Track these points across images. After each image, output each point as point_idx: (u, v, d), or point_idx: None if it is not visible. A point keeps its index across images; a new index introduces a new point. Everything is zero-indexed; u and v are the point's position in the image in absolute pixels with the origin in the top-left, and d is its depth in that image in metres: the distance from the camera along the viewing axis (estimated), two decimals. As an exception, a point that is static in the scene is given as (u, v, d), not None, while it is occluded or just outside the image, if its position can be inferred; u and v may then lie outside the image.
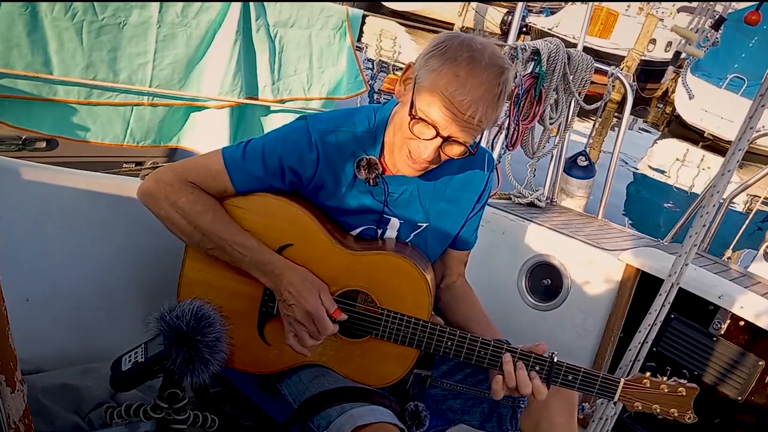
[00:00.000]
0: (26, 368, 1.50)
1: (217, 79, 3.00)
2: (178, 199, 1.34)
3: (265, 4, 3.04)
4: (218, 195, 1.38)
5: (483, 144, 2.79)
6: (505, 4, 20.44)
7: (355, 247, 1.40)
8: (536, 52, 2.76)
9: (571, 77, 2.83)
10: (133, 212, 1.55)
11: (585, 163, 3.35)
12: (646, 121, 16.35)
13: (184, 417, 1.25)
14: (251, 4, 2.99)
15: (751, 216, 5.49)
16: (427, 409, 1.45)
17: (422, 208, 1.48)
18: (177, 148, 3.25)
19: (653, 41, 16.71)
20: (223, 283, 1.40)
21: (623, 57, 15.61)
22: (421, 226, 1.49)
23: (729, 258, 4.55)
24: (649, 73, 17.05)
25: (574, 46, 3.03)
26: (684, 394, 1.36)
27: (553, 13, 19.66)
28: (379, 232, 1.47)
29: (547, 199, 3.17)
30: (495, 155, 2.87)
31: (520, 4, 3.33)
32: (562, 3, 19.48)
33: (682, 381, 1.37)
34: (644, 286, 2.41)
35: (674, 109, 15.50)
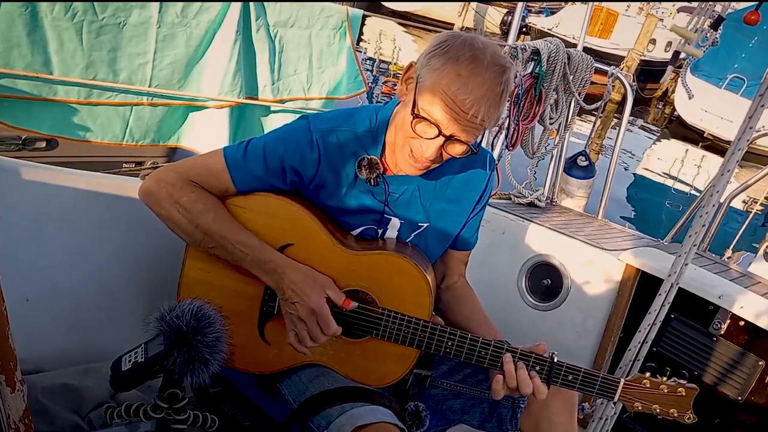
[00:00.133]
0: (26, 368, 1.50)
1: (217, 79, 3.00)
2: (179, 198, 1.34)
3: (265, 4, 3.05)
4: (219, 194, 1.38)
5: (483, 144, 2.80)
6: (505, 4, 20.45)
7: (355, 247, 1.40)
8: (536, 52, 2.76)
9: (571, 77, 2.83)
10: (133, 212, 1.55)
11: (585, 163, 3.35)
12: (646, 122, 16.35)
13: (184, 417, 1.25)
14: (251, 4, 2.99)
15: (751, 216, 5.49)
16: (427, 409, 1.45)
17: (423, 208, 1.48)
18: (177, 148, 3.26)
19: (653, 41, 16.71)
20: (223, 283, 1.40)
21: (623, 57, 15.61)
22: (422, 226, 1.49)
23: (729, 258, 4.55)
24: (649, 73, 17.05)
25: (574, 46, 3.03)
26: (684, 394, 1.36)
27: (553, 13, 19.66)
28: (380, 232, 1.47)
29: (547, 199, 3.17)
30: (495, 155, 2.87)
31: (520, 4, 3.33)
32: (562, 3, 19.48)
33: (681, 381, 1.37)
34: (644, 286, 2.41)
35: (674, 109, 15.50)
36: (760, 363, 2.19)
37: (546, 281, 2.64)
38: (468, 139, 1.29)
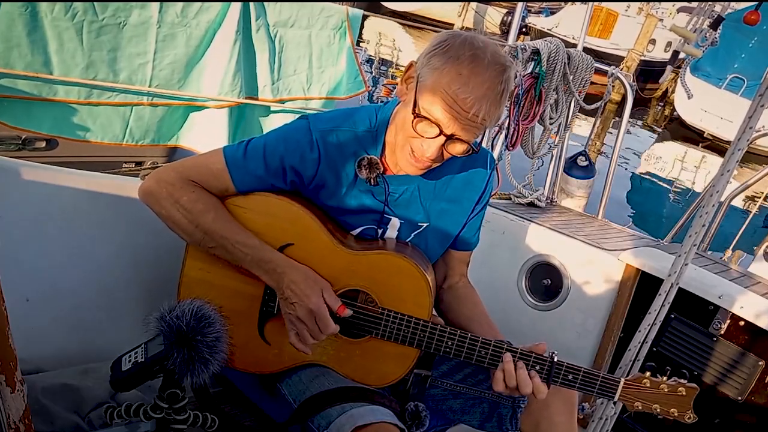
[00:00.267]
0: (26, 368, 1.50)
1: (217, 79, 3.00)
2: (179, 197, 1.34)
3: (265, 4, 3.05)
4: (219, 194, 1.38)
5: (483, 144, 2.80)
6: (504, 4, 20.45)
7: (355, 247, 1.40)
8: (536, 52, 2.76)
9: (571, 77, 2.83)
10: (133, 212, 1.55)
11: (585, 163, 3.35)
12: (646, 122, 16.36)
13: (184, 417, 1.25)
14: (251, 4, 2.99)
15: (751, 216, 5.49)
16: (427, 409, 1.45)
17: (423, 208, 1.48)
18: (177, 148, 3.25)
19: (653, 41, 16.71)
20: (223, 283, 1.40)
21: (623, 57, 15.61)
22: (422, 226, 1.49)
23: (729, 258, 4.55)
24: (649, 73, 17.05)
25: (574, 46, 3.03)
26: (684, 393, 1.36)
27: (552, 13, 19.66)
28: (380, 231, 1.47)
29: (547, 199, 3.17)
30: (495, 155, 2.87)
31: (519, 4, 3.33)
32: (562, 3, 19.48)
33: (681, 381, 1.37)
34: (644, 286, 2.41)
35: (674, 109, 15.50)
36: (760, 363, 2.19)
37: (546, 281, 2.64)
38: (469, 138, 1.29)
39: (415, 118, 1.28)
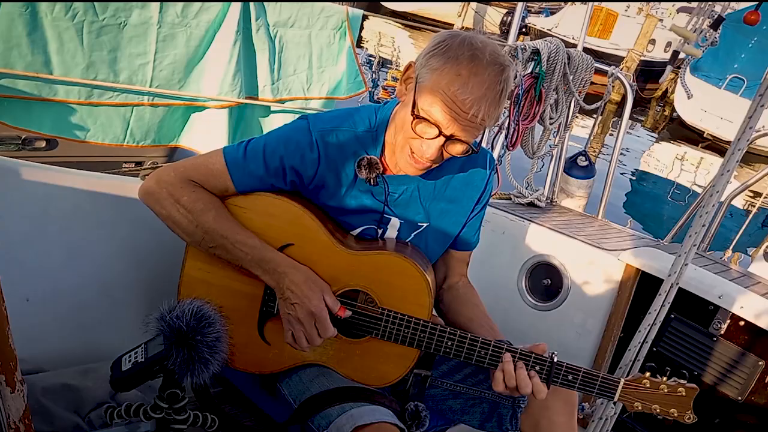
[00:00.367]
0: (26, 368, 1.50)
1: (217, 79, 3.00)
2: (179, 197, 1.34)
3: (265, 4, 3.05)
4: (219, 194, 1.38)
5: (483, 144, 2.80)
6: (504, 4, 20.45)
7: (355, 247, 1.40)
8: (536, 52, 2.76)
9: (571, 77, 2.83)
10: (133, 212, 1.55)
11: (585, 163, 3.35)
12: (646, 122, 16.36)
13: (184, 417, 1.25)
14: (251, 4, 2.99)
15: (751, 216, 5.50)
16: (427, 409, 1.45)
17: (423, 208, 1.48)
18: (177, 148, 3.25)
19: (653, 41, 16.72)
20: (224, 283, 1.40)
21: (623, 57, 15.61)
22: (422, 226, 1.49)
23: (729, 258, 4.55)
24: (649, 73, 17.05)
25: (574, 46, 3.03)
26: (684, 394, 1.36)
27: (552, 13, 19.66)
28: (380, 231, 1.47)
29: (547, 199, 3.17)
30: (495, 155, 2.87)
31: (520, 4, 3.33)
32: (562, 3, 19.48)
33: (681, 381, 1.37)
34: (644, 286, 2.41)
35: (674, 109, 15.51)
36: (760, 363, 2.19)
37: (546, 281, 2.64)
38: (468, 138, 1.29)
39: (414, 119, 1.28)
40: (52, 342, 1.61)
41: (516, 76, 2.78)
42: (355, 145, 1.40)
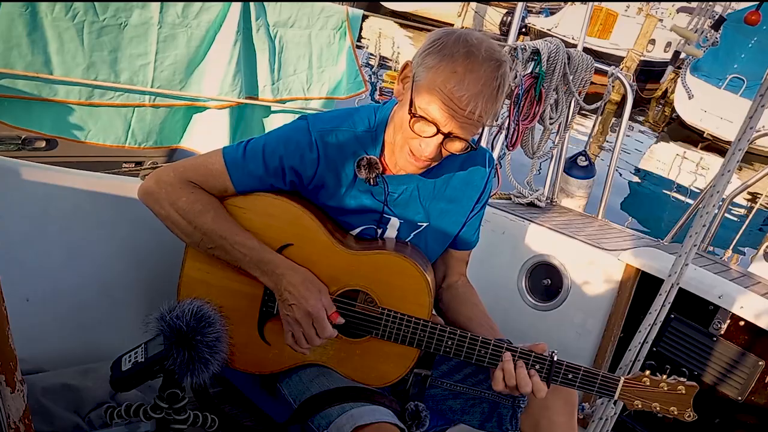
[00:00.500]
0: (26, 368, 1.50)
1: (218, 79, 3.00)
2: (178, 198, 1.34)
3: (265, 4, 3.04)
4: (219, 195, 1.38)
5: (483, 144, 2.80)
6: (504, 4, 20.45)
7: (355, 247, 1.40)
8: (536, 52, 2.76)
9: (571, 77, 2.83)
10: (133, 212, 1.55)
11: (585, 163, 3.35)
12: (646, 122, 16.36)
13: (184, 417, 1.25)
14: (251, 4, 2.99)
15: (750, 216, 5.50)
16: (427, 409, 1.45)
17: (422, 208, 1.48)
18: (177, 148, 3.25)
19: (652, 41, 16.73)
20: (223, 283, 1.40)
21: (622, 57, 15.63)
22: (421, 225, 1.49)
23: (729, 258, 4.55)
24: (649, 73, 17.06)
25: (574, 46, 3.03)
26: (683, 392, 1.36)
27: (552, 13, 19.67)
28: (379, 231, 1.47)
29: (547, 199, 3.17)
30: (495, 155, 2.87)
31: (519, 4, 3.33)
32: (562, 3, 19.48)
33: (681, 379, 1.37)
34: (644, 286, 2.41)
35: (674, 109, 15.51)
36: (760, 363, 2.19)
37: (546, 281, 2.64)
38: (466, 135, 1.29)
39: (411, 117, 1.28)
40: (52, 342, 1.61)
41: (516, 76, 2.78)
42: (354, 145, 1.40)
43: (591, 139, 3.91)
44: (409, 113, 1.28)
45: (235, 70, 3.01)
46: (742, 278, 2.56)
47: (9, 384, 0.80)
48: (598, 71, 3.00)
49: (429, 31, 1.34)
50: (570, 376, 1.36)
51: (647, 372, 1.39)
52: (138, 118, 2.89)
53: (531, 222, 2.70)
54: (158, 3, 2.72)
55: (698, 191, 10.14)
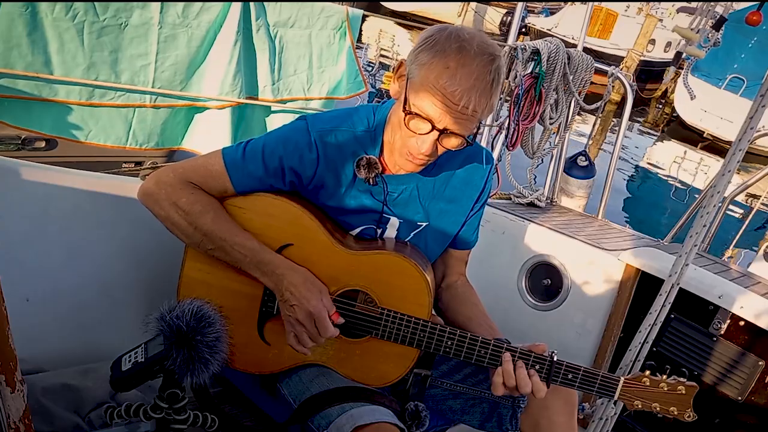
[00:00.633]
0: (26, 368, 1.50)
1: (218, 79, 3.00)
2: (178, 199, 1.34)
3: (265, 4, 3.04)
4: (218, 195, 1.38)
5: (483, 144, 2.80)
6: (504, 4, 20.45)
7: (354, 247, 1.40)
8: (536, 52, 2.76)
9: (571, 77, 2.84)
10: (133, 212, 1.55)
11: (585, 163, 3.35)
12: (646, 122, 16.36)
13: (184, 417, 1.25)
14: (251, 4, 2.98)
15: (750, 216, 5.49)
16: (427, 409, 1.45)
17: (422, 208, 1.48)
18: (177, 149, 3.25)
19: (652, 41, 16.72)
20: (223, 283, 1.40)
21: (622, 57, 15.62)
22: (421, 225, 1.49)
23: (729, 258, 4.55)
24: (649, 73, 17.06)
25: (574, 46, 3.03)
26: (683, 392, 1.36)
27: (552, 13, 19.67)
28: (379, 231, 1.47)
29: (547, 199, 3.17)
30: (495, 155, 2.87)
31: (520, 4, 3.33)
32: (562, 3, 19.49)
33: (681, 379, 1.37)
34: (644, 286, 2.41)
35: (674, 109, 15.51)
36: (760, 363, 2.19)
37: (546, 281, 2.64)
38: (462, 131, 1.29)
39: (406, 115, 1.28)
40: (52, 342, 1.61)
41: (516, 76, 2.78)
42: (354, 145, 1.40)
43: (591, 140, 3.90)
44: (404, 111, 1.28)
45: (235, 70, 3.01)
46: (742, 278, 2.56)
47: (9, 384, 0.80)
48: (598, 71, 3.00)
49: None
50: (570, 377, 1.36)
51: (647, 372, 1.39)
52: (139, 119, 2.89)
53: (531, 222, 2.70)
54: (158, 3, 2.72)
55: (698, 191, 10.14)
